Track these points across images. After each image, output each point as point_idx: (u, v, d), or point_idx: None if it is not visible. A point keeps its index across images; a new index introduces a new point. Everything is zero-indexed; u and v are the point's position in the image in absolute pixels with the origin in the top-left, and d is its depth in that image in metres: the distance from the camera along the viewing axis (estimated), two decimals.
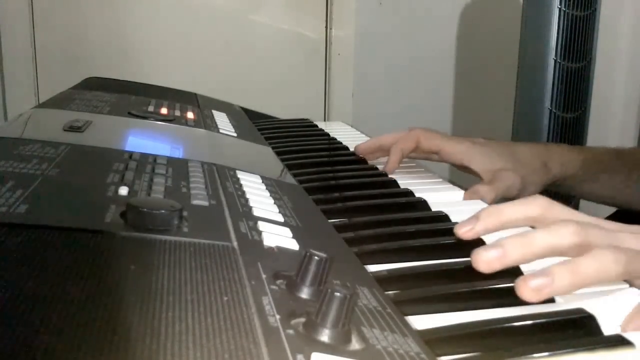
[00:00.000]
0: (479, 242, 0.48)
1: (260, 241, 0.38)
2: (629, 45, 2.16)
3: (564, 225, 0.41)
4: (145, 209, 0.36)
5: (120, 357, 0.23)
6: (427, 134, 0.75)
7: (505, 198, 0.72)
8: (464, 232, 0.46)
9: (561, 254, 0.41)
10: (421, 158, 0.79)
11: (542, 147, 0.78)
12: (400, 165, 0.74)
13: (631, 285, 0.41)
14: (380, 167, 0.75)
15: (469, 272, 0.44)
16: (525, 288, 0.37)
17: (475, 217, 0.46)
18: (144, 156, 0.54)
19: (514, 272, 0.42)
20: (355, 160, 0.80)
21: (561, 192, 0.79)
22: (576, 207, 1.62)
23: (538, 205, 0.46)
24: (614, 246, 0.40)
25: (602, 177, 0.79)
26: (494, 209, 0.47)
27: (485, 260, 0.40)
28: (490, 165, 0.72)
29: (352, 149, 0.86)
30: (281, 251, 0.38)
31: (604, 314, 0.36)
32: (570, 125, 1.63)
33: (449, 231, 0.52)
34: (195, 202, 0.44)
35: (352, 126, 1.14)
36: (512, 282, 0.41)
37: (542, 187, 0.75)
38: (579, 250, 0.40)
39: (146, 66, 1.88)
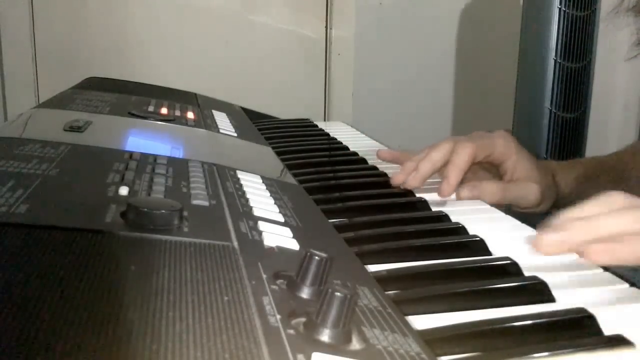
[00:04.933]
0: (480, 244, 0.48)
1: (261, 241, 0.38)
2: (628, 46, 2.16)
3: (629, 212, 0.42)
4: (145, 209, 0.36)
5: (121, 357, 0.23)
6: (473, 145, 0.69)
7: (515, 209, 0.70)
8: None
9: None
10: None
11: (545, 162, 0.77)
12: (402, 157, 0.73)
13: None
14: (380, 167, 0.74)
15: (469, 272, 0.44)
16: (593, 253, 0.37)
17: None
18: (144, 156, 0.54)
19: (515, 273, 0.43)
20: (355, 160, 0.80)
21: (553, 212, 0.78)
22: None
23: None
24: None
25: (589, 192, 0.78)
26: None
27: (546, 244, 0.39)
28: (525, 172, 0.69)
29: (352, 149, 0.86)
30: (281, 251, 0.38)
31: (604, 314, 0.36)
32: (570, 125, 1.63)
33: (449, 231, 0.53)
34: (195, 202, 0.44)
35: (352, 126, 1.13)
36: (511, 283, 0.41)
37: (552, 203, 0.73)
38: None
39: (146, 66, 1.88)
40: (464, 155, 0.65)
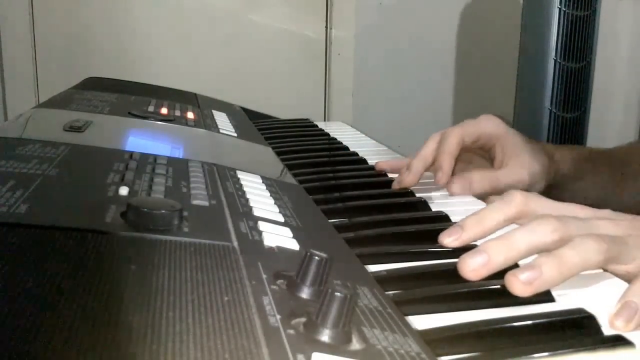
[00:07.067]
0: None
1: (261, 241, 0.38)
2: (629, 45, 2.17)
3: (543, 222, 0.42)
4: (145, 209, 0.36)
5: (121, 357, 0.23)
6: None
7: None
8: (449, 242, 0.46)
9: (544, 250, 0.42)
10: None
11: (541, 144, 0.77)
12: (400, 164, 0.74)
13: (606, 270, 0.42)
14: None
15: None
16: (516, 282, 0.38)
17: (460, 227, 0.47)
18: (144, 156, 0.54)
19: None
20: (355, 160, 0.80)
21: (552, 192, 0.78)
22: None
23: (516, 204, 0.47)
24: (593, 234, 0.41)
25: (588, 176, 0.78)
26: (477, 217, 0.47)
27: (471, 269, 0.40)
28: (515, 153, 0.69)
29: (352, 149, 0.86)
30: (281, 251, 0.38)
31: (604, 314, 0.36)
32: (570, 125, 1.63)
33: None
34: (195, 202, 0.44)
35: (352, 126, 1.13)
36: None
37: (546, 184, 0.74)
38: (561, 243, 0.41)
39: (146, 66, 1.88)
40: (451, 140, 0.67)
